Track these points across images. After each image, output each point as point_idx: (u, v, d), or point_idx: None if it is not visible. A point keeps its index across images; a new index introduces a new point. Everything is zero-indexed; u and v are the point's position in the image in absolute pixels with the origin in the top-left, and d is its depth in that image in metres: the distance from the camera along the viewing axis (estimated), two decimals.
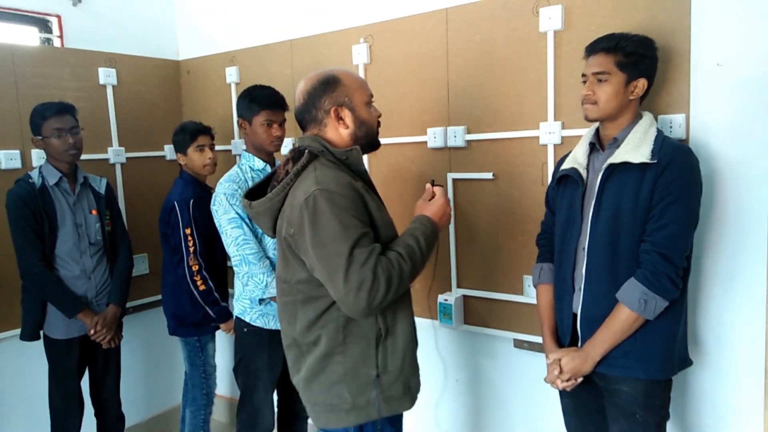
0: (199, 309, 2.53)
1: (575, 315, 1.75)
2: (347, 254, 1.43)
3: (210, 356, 2.71)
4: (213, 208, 2.24)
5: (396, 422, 1.69)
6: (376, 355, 1.57)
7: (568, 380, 1.73)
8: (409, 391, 1.65)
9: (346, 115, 1.61)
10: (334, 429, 1.61)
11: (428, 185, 1.73)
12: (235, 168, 2.30)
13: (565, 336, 1.79)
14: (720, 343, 1.89)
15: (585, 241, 1.70)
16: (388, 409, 1.59)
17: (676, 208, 1.57)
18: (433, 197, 1.70)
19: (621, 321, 1.62)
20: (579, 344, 1.74)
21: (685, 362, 1.75)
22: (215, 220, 2.25)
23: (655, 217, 1.59)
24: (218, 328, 2.63)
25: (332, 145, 1.61)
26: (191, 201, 2.49)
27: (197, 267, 2.48)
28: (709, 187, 1.79)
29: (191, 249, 2.48)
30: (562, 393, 1.85)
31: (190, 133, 2.58)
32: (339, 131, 1.62)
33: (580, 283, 1.72)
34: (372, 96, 1.69)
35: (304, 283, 1.56)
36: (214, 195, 2.25)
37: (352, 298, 1.43)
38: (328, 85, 1.60)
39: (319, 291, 1.54)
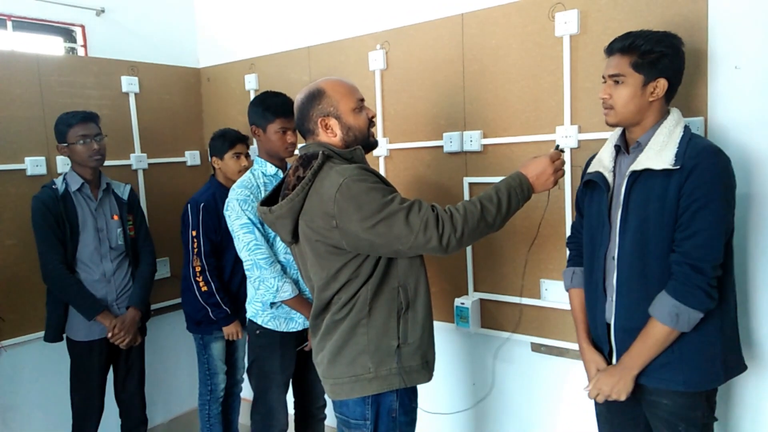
0: (200, 308, 2.62)
1: (608, 325, 1.70)
2: (400, 209, 1.54)
3: (213, 357, 2.76)
4: (225, 213, 2.28)
5: (413, 398, 1.78)
6: (397, 326, 1.67)
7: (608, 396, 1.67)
8: (427, 364, 1.75)
9: (333, 124, 1.70)
10: (352, 400, 1.70)
11: (552, 149, 1.73)
12: (247, 174, 2.33)
13: (602, 345, 1.74)
14: None
15: (615, 250, 1.65)
16: (408, 380, 1.69)
17: (704, 214, 1.50)
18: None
19: (655, 335, 1.56)
20: (614, 355, 1.69)
21: (736, 369, 1.66)
22: (228, 225, 2.29)
23: (683, 225, 1.52)
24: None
25: (336, 148, 1.71)
26: (201, 204, 2.58)
27: (200, 268, 2.56)
28: (740, 188, 1.70)
29: (195, 250, 2.57)
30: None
31: (230, 141, 2.67)
32: (330, 139, 1.71)
33: (612, 293, 1.67)
34: (362, 100, 1.75)
35: (344, 269, 1.64)
36: (227, 201, 2.29)
37: (422, 239, 1.53)
38: (314, 98, 1.70)
39: (356, 272, 1.64)
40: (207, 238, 2.57)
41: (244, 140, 2.72)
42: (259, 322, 2.31)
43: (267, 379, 2.36)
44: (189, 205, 2.61)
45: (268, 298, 2.22)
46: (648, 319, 1.58)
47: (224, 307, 2.59)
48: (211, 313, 2.59)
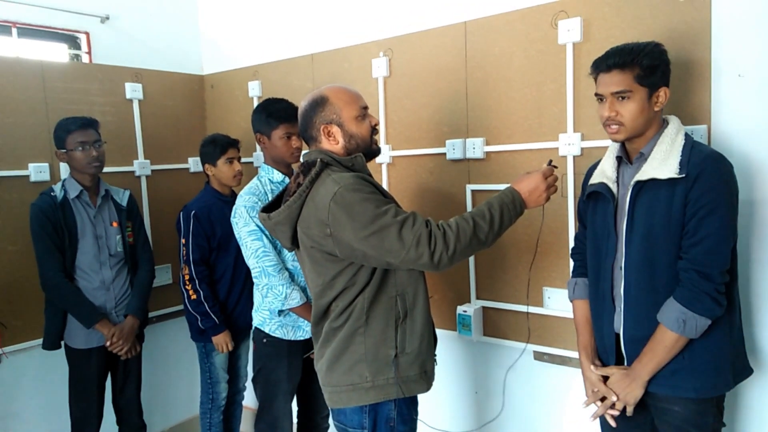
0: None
1: (617, 335, 1.70)
2: (393, 223, 1.52)
3: (216, 365, 2.74)
4: (233, 220, 2.27)
5: (412, 408, 1.76)
6: (395, 336, 1.66)
7: (614, 405, 1.67)
8: (425, 374, 1.73)
9: (336, 131, 1.70)
10: (350, 408, 1.69)
11: (545, 165, 1.72)
12: (254, 180, 2.33)
13: (609, 356, 1.73)
14: None
15: (622, 260, 1.66)
16: (405, 390, 1.68)
17: (710, 221, 1.50)
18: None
19: (663, 342, 1.56)
20: (625, 365, 1.69)
21: (744, 373, 1.67)
22: (235, 233, 2.28)
23: (690, 232, 1.53)
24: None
25: (336, 155, 1.70)
26: (193, 212, 2.57)
27: (189, 276, 2.55)
28: (743, 196, 1.70)
29: (184, 257, 2.56)
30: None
31: (221, 146, 2.65)
32: (332, 146, 1.71)
33: (620, 303, 1.67)
34: (366, 107, 1.75)
35: (340, 276, 1.65)
36: (234, 207, 2.28)
37: (414, 255, 1.52)
38: (317, 105, 1.71)
39: (352, 280, 1.64)
40: (197, 245, 2.55)
41: (235, 144, 2.70)
42: (267, 331, 2.30)
43: (273, 388, 2.34)
44: (181, 213, 2.61)
45: (276, 305, 2.21)
46: (656, 327, 1.59)
47: (212, 317, 2.56)
48: (199, 322, 2.57)
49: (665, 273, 1.58)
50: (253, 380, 2.40)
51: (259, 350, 2.36)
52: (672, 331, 1.54)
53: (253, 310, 2.37)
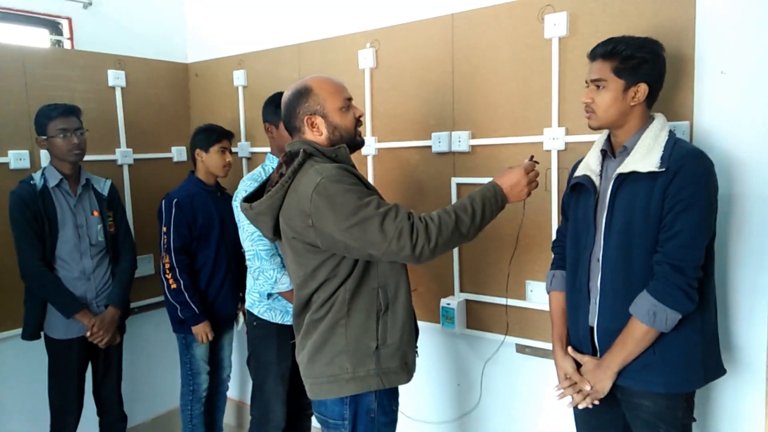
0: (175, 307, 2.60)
1: (592, 327, 1.72)
2: (375, 215, 1.52)
3: (196, 357, 2.72)
4: (234, 203, 2.36)
5: (393, 399, 1.77)
6: (376, 327, 1.67)
7: (587, 395, 1.68)
8: (406, 366, 1.73)
9: (320, 122, 1.69)
10: (330, 400, 1.70)
11: (527, 160, 1.73)
12: (258, 168, 2.39)
13: (583, 348, 1.74)
14: (748, 352, 1.84)
15: (599, 252, 1.66)
16: (386, 382, 1.68)
17: (687, 216, 1.51)
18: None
19: (634, 334, 1.58)
20: (598, 357, 1.70)
21: (715, 372, 1.68)
22: (235, 215, 2.35)
23: (667, 226, 1.54)
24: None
25: (320, 146, 1.70)
26: (175, 201, 2.56)
27: (169, 264, 2.55)
28: (722, 192, 1.72)
29: (165, 246, 2.55)
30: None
31: (217, 135, 2.64)
32: (316, 137, 1.71)
33: (596, 295, 1.68)
34: (350, 99, 1.74)
35: (321, 267, 1.64)
36: (236, 192, 2.36)
37: (395, 247, 1.51)
38: (300, 96, 1.70)
39: (333, 271, 1.64)
40: (178, 234, 2.54)
41: (230, 137, 2.70)
42: (256, 313, 2.36)
43: (264, 370, 2.40)
44: (163, 201, 2.59)
45: (266, 288, 2.26)
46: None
47: (192, 306, 2.55)
48: (179, 312, 2.56)
49: (641, 267, 1.59)
50: (247, 363, 2.47)
51: (250, 333, 2.43)
52: (642, 323, 1.55)
53: (246, 293, 2.44)
